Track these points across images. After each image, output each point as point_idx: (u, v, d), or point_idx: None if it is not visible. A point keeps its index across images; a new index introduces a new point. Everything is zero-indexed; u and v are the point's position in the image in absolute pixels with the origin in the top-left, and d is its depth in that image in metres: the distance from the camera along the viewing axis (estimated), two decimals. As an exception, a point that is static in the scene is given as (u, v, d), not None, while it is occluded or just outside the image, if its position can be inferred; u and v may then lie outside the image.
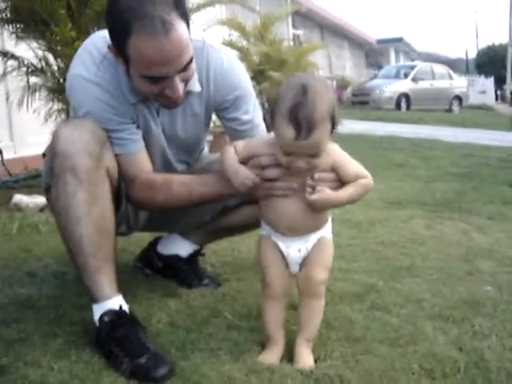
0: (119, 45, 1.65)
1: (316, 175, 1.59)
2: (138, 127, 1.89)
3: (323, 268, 1.70)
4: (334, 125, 1.52)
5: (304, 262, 1.71)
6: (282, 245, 1.70)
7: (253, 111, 2.01)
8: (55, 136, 1.74)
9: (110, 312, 1.71)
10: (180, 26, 1.61)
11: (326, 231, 1.73)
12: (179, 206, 1.94)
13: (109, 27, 1.69)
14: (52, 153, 1.73)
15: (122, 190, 1.91)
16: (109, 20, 1.68)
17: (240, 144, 1.70)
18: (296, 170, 1.56)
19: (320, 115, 1.47)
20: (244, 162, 1.66)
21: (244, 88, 1.98)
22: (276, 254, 1.71)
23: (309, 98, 1.47)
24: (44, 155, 1.88)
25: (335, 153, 1.62)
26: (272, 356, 1.67)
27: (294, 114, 1.46)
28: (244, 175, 1.62)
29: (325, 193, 1.57)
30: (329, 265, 1.72)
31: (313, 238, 1.70)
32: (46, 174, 1.80)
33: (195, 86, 1.87)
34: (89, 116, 1.78)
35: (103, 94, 1.79)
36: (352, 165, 1.64)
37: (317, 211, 1.63)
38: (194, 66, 1.74)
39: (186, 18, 1.66)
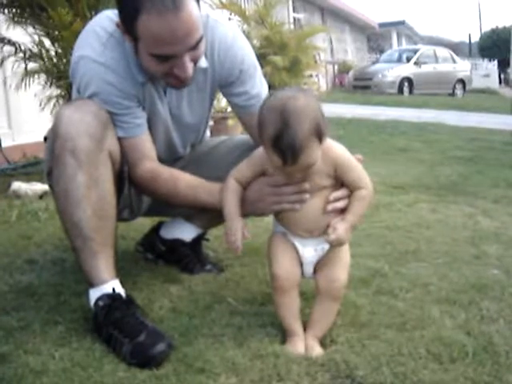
0: (128, 23, 1.62)
1: (331, 197, 1.61)
2: (143, 109, 1.87)
3: (345, 269, 1.69)
4: (321, 136, 1.50)
5: (323, 262, 1.68)
6: (297, 243, 1.67)
7: (259, 85, 1.99)
8: (57, 117, 1.72)
9: (105, 296, 1.70)
10: (190, 3, 1.59)
11: None
12: (180, 205, 1.94)
13: (118, 5, 1.67)
14: (54, 134, 1.71)
15: (125, 173, 1.88)
16: None
17: (243, 167, 1.70)
18: (296, 180, 1.59)
19: (303, 139, 1.45)
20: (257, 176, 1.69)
21: (249, 62, 1.96)
22: (289, 247, 1.68)
23: (289, 123, 1.45)
24: (46, 139, 1.86)
25: (334, 151, 1.61)
26: (297, 347, 1.64)
27: (277, 144, 1.46)
28: (236, 233, 1.62)
29: (340, 232, 1.57)
30: (348, 265, 1.70)
31: None
32: (48, 157, 1.78)
33: (201, 61, 1.83)
34: (95, 98, 1.76)
35: (110, 75, 1.76)
36: (354, 171, 1.62)
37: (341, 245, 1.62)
38: (203, 45, 1.72)
39: None
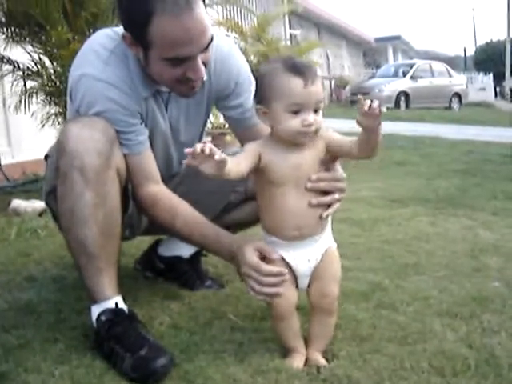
0: (139, 30, 1.61)
1: (313, 176, 1.57)
2: (146, 125, 1.85)
3: (336, 282, 1.65)
4: None
5: (314, 276, 1.64)
6: (289, 257, 1.61)
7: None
8: (64, 134, 1.69)
9: (107, 311, 1.69)
10: (200, 2, 1.60)
11: (331, 241, 1.67)
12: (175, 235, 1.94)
13: (125, 14, 1.66)
14: (60, 151, 1.69)
15: (129, 191, 1.86)
16: (125, 6, 1.65)
17: (239, 158, 1.58)
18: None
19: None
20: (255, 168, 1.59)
21: (244, 74, 1.97)
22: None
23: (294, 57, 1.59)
24: (46, 157, 1.84)
25: (323, 133, 1.60)
26: (297, 362, 1.62)
27: (296, 67, 1.52)
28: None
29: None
30: (339, 277, 1.67)
31: (319, 245, 1.63)
32: (52, 175, 1.75)
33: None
34: (100, 115, 1.73)
35: (114, 93, 1.73)
36: (345, 138, 1.61)
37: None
38: (212, 46, 1.72)
39: None
